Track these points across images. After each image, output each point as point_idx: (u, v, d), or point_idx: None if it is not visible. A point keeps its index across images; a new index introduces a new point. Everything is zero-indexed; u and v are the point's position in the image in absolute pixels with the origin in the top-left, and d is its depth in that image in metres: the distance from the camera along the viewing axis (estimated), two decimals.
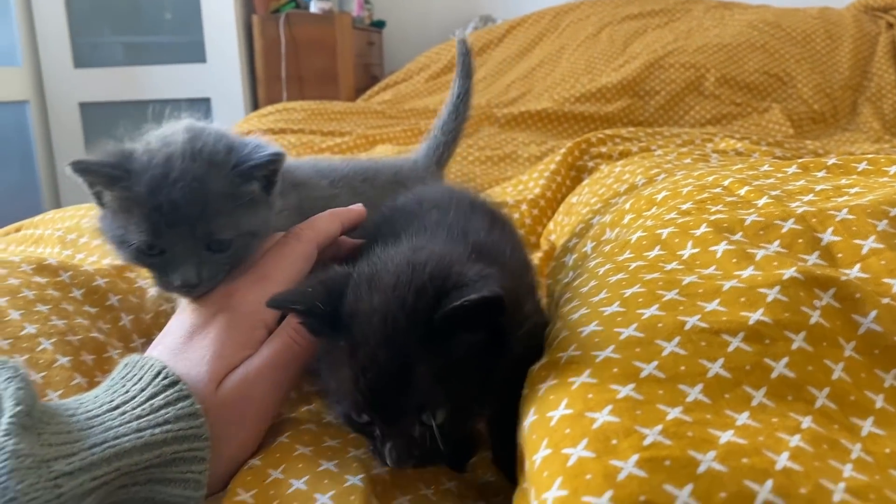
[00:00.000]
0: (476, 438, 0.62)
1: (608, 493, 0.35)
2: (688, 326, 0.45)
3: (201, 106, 3.34)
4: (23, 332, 0.72)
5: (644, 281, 0.52)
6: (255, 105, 3.37)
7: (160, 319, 0.83)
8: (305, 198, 0.74)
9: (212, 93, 3.36)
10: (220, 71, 3.34)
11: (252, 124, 2.20)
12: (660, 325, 0.46)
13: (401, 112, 2.38)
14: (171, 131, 0.63)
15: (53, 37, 3.25)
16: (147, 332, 0.81)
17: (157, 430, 0.53)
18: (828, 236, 0.53)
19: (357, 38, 3.61)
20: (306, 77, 3.34)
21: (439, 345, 0.47)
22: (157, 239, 0.59)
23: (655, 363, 0.43)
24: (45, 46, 3.25)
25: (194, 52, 3.35)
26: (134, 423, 0.53)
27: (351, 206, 0.69)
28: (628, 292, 0.52)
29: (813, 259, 0.51)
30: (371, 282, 0.50)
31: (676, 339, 0.44)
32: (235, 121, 2.63)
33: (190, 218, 0.58)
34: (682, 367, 0.42)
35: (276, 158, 0.61)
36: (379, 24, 4.11)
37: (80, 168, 0.59)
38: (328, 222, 0.66)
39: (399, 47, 4.13)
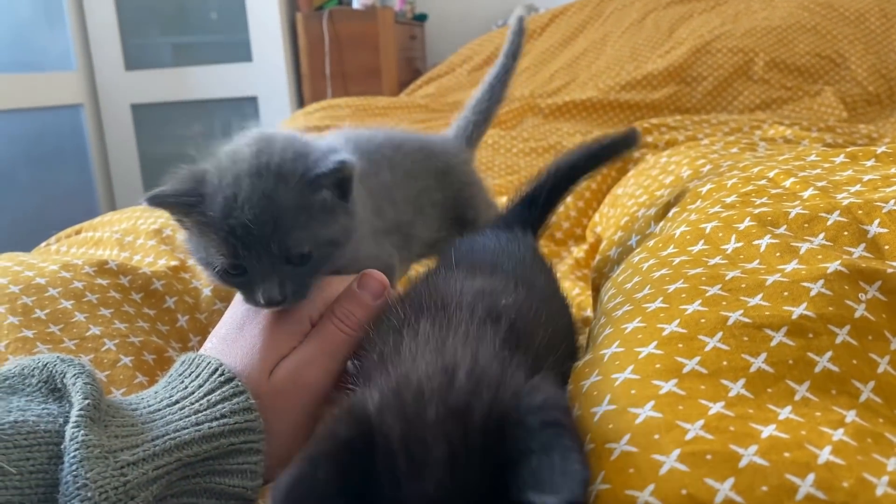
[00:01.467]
0: None
1: (650, 487, 0.36)
2: (730, 322, 0.45)
3: (249, 105, 3.40)
4: (88, 333, 0.75)
5: (687, 276, 0.53)
6: (300, 102, 3.42)
7: (214, 318, 0.86)
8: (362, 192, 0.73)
9: (258, 91, 3.42)
10: (266, 69, 3.39)
11: (298, 122, 2.23)
12: (702, 320, 0.46)
13: (444, 105, 2.39)
14: (240, 145, 0.62)
15: (105, 40, 3.34)
16: (202, 330, 0.85)
17: (215, 424, 0.55)
18: (874, 228, 0.52)
19: (399, 33, 3.63)
20: (350, 73, 3.37)
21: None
22: (237, 260, 0.59)
23: (698, 358, 0.44)
24: (97, 50, 3.35)
25: (240, 51, 3.41)
26: (192, 418, 0.55)
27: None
28: (671, 288, 0.52)
29: (859, 251, 0.51)
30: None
31: (719, 335, 0.45)
32: (282, 119, 2.67)
33: (264, 237, 0.57)
34: (725, 363, 0.43)
35: (342, 167, 0.59)
36: (421, 18, 4.12)
37: (157, 202, 0.59)
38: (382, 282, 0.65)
39: (441, 40, 4.14)
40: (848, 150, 0.71)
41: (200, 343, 0.81)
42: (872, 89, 2.06)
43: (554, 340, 0.52)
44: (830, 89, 2.05)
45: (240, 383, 0.58)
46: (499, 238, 0.71)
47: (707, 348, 0.44)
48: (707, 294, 0.49)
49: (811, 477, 0.34)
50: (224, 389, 0.58)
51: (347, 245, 0.63)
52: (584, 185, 1.25)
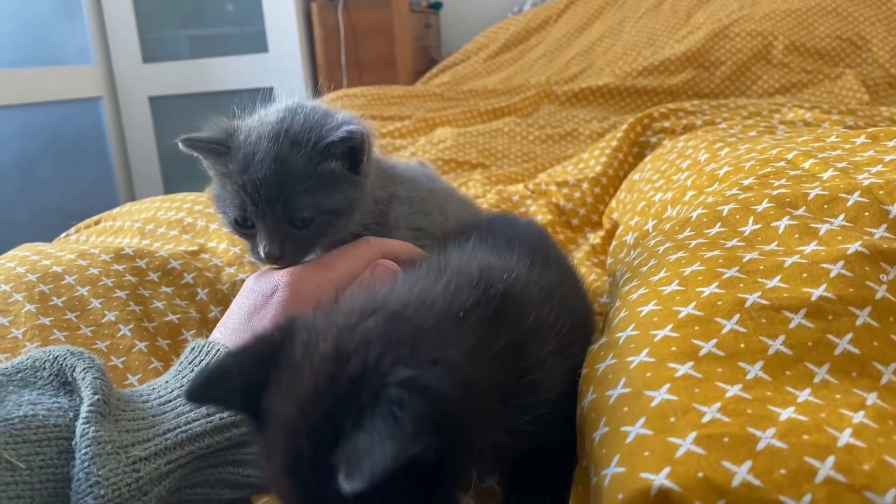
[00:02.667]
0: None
1: (666, 470, 0.35)
2: (748, 304, 0.45)
3: (265, 96, 3.41)
4: (104, 320, 0.76)
5: (704, 259, 0.52)
6: (316, 93, 3.41)
7: (235, 288, 0.86)
8: (413, 189, 0.76)
9: (275, 82, 3.41)
10: (282, 60, 3.39)
11: None
12: (719, 302, 0.46)
13: (459, 93, 2.38)
14: (271, 110, 0.67)
15: (123, 34, 3.35)
16: (224, 300, 0.85)
17: (226, 414, 0.55)
18: None
19: (414, 22, 3.62)
20: (365, 63, 3.37)
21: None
22: (246, 214, 0.63)
23: (714, 341, 0.43)
24: (115, 43, 3.36)
25: (257, 42, 3.42)
26: (203, 409, 0.56)
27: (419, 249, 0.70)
28: (688, 270, 0.51)
29: (880, 232, 0.50)
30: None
31: (736, 317, 0.44)
32: None
33: (272, 197, 0.61)
34: (742, 345, 0.42)
35: (351, 135, 0.61)
36: (436, 6, 4.10)
37: (188, 143, 0.64)
38: (399, 244, 0.68)
39: (456, 28, 4.11)
40: (869, 130, 0.70)
41: (222, 313, 0.82)
42: (895, 72, 2.02)
43: (564, 321, 0.51)
44: (851, 72, 2.02)
45: None
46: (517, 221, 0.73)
47: (724, 331, 0.43)
48: (724, 276, 0.48)
49: (831, 459, 0.34)
50: None
51: (351, 216, 0.66)
52: (600, 171, 1.25)
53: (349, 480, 0.35)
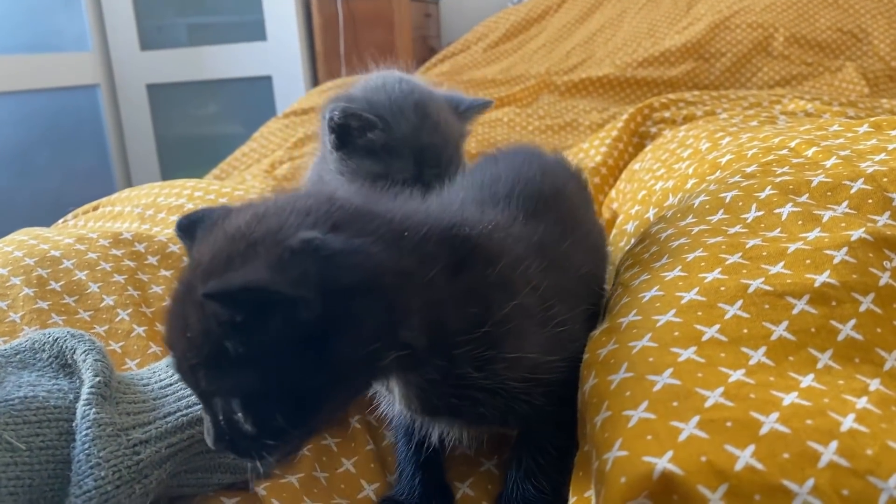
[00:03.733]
0: (451, 490, 0.60)
1: (668, 454, 0.35)
2: (751, 289, 0.45)
3: (263, 84, 3.39)
4: (102, 304, 0.76)
5: (707, 245, 0.52)
6: (315, 82, 3.40)
7: None
8: None
9: (273, 71, 3.40)
10: (281, 49, 3.37)
11: (313, 101, 2.22)
12: (722, 288, 0.46)
13: (459, 83, 2.37)
14: (391, 82, 0.73)
15: (120, 20, 3.33)
16: None
17: None
18: None
19: (414, 11, 3.59)
20: (365, 52, 3.35)
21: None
22: (415, 174, 0.68)
23: (717, 326, 0.43)
24: (112, 30, 3.34)
25: (255, 30, 3.39)
26: None
27: None
28: (690, 257, 0.51)
29: (884, 220, 0.50)
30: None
31: (739, 303, 0.44)
32: (296, 97, 2.66)
33: (440, 157, 0.68)
34: (745, 330, 0.42)
35: (489, 105, 0.73)
36: None
37: (349, 112, 0.68)
38: None
39: (456, 18, 4.09)
40: (872, 120, 0.70)
41: None
42: (895, 65, 2.02)
43: (551, 281, 0.51)
44: (852, 65, 2.01)
45: None
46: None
47: (727, 316, 0.43)
48: (727, 262, 0.48)
49: (834, 444, 0.34)
50: None
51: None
52: (600, 161, 1.24)
53: (204, 284, 0.38)
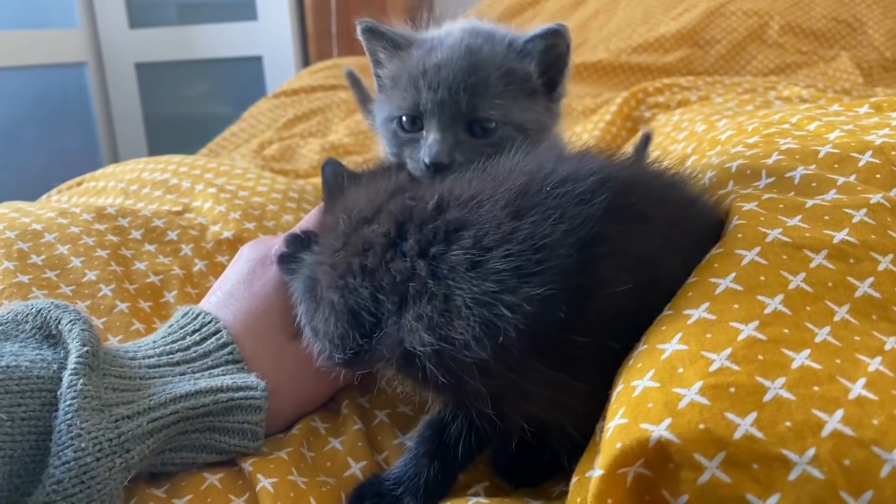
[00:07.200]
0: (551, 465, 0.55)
1: (666, 421, 0.34)
2: (769, 238, 0.44)
3: (254, 64, 3.36)
4: (84, 279, 0.74)
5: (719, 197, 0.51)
6: (306, 62, 3.37)
7: (221, 246, 0.84)
8: None
9: (263, 50, 3.37)
10: (271, 28, 3.34)
11: (304, 81, 2.20)
12: (739, 235, 0.45)
13: None
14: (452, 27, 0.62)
15: None
16: (209, 256, 0.83)
17: (213, 381, 0.55)
18: None
19: None
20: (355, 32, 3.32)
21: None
22: (419, 107, 0.56)
23: (733, 275, 0.42)
24: (101, 7, 3.29)
25: (245, 10, 3.36)
26: (188, 375, 0.55)
27: None
28: None
29: (892, 195, 0.49)
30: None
31: (757, 249, 0.43)
32: (287, 78, 2.63)
33: (458, 91, 0.54)
34: (762, 277, 0.41)
35: (555, 32, 0.55)
36: None
37: (369, 28, 0.61)
38: None
39: (449, 1, 4.07)
40: (872, 100, 0.69)
41: (207, 268, 0.80)
42: (889, 55, 2.02)
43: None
44: (846, 54, 2.01)
45: (237, 348, 0.58)
46: None
47: (744, 262, 0.42)
48: (744, 209, 0.47)
49: (840, 413, 0.33)
50: (222, 353, 0.58)
51: (535, 139, 0.57)
52: (592, 145, 1.23)
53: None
